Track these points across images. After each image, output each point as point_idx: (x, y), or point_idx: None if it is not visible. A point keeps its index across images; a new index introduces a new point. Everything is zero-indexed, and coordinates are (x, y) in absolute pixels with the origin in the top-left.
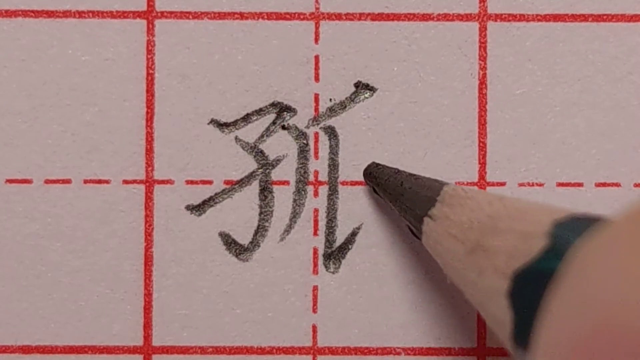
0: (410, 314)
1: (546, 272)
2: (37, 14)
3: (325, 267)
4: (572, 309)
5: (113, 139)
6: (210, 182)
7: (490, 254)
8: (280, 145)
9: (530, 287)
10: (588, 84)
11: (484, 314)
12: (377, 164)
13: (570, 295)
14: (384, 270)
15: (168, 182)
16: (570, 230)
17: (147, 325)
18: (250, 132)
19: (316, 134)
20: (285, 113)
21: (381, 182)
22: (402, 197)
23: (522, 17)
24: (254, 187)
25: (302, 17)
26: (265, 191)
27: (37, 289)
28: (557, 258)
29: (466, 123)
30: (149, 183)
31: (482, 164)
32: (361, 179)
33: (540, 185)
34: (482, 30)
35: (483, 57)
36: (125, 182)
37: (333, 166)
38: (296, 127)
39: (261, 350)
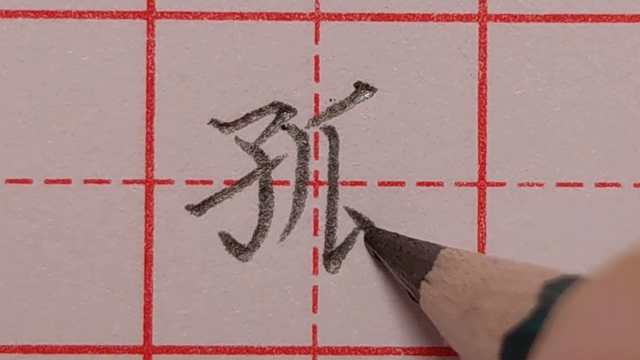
0: (411, 314)
1: (535, 332)
2: (37, 14)
3: (325, 267)
4: None
5: (113, 139)
6: (210, 182)
7: (482, 316)
8: (280, 145)
9: (520, 348)
10: (588, 84)
11: None
12: (378, 229)
13: (553, 350)
14: (384, 270)
15: (168, 182)
16: (560, 291)
17: (147, 325)
18: (250, 132)
19: (316, 134)
20: (285, 113)
21: (381, 247)
22: (401, 262)
23: (522, 18)
24: (254, 187)
25: (302, 17)
26: (265, 191)
27: (37, 289)
28: (545, 318)
29: (466, 123)
30: (149, 183)
31: (482, 164)
32: (361, 178)
33: (540, 185)
34: (482, 31)
35: (483, 58)
36: (125, 182)
37: (333, 166)
38: (296, 127)
39: (261, 350)
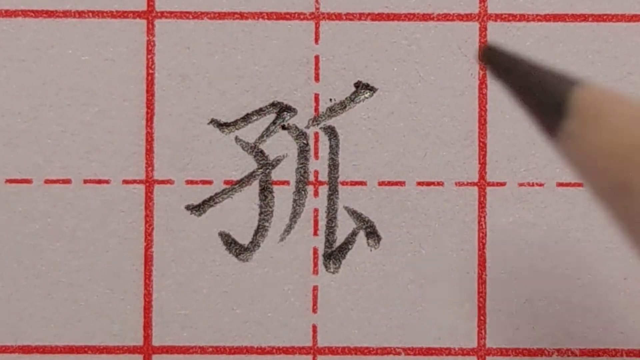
0: (411, 313)
1: None
2: (37, 14)
3: (325, 267)
4: None
5: (113, 139)
6: (210, 182)
7: (637, 198)
8: (280, 145)
9: None
10: None
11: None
12: (492, 48)
13: None
14: (384, 270)
15: (168, 182)
16: None
17: (147, 325)
18: (250, 132)
19: (316, 134)
20: (285, 113)
21: (499, 72)
22: (527, 98)
23: (522, 17)
24: (254, 187)
25: (302, 17)
26: (265, 191)
27: (37, 289)
28: None
29: (466, 123)
30: (149, 183)
31: (482, 164)
32: (361, 178)
33: (540, 185)
34: (482, 30)
35: None
36: (125, 182)
37: (333, 166)
38: (296, 127)
39: (261, 350)
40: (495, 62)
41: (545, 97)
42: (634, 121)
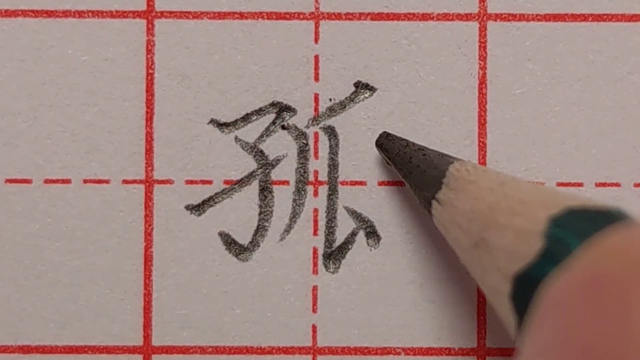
0: (410, 314)
1: (542, 276)
2: (37, 14)
3: (325, 267)
4: (545, 342)
5: (113, 139)
6: (210, 182)
7: (492, 251)
8: (280, 145)
9: (528, 291)
10: (588, 84)
11: (494, 309)
12: (388, 134)
13: (542, 328)
14: (384, 270)
15: (168, 182)
16: (566, 228)
17: (147, 325)
18: (250, 132)
19: (316, 133)
20: (285, 113)
21: (391, 155)
22: (411, 175)
23: (522, 17)
24: (254, 187)
25: (302, 17)
26: (265, 191)
27: (37, 289)
28: (551, 263)
29: (466, 123)
30: (149, 183)
31: (482, 163)
32: (361, 178)
33: (541, 184)
34: (482, 30)
35: (483, 57)
36: (125, 182)
37: (333, 166)
38: (296, 127)
39: (261, 350)
40: (388, 146)
41: (427, 173)
42: (489, 189)
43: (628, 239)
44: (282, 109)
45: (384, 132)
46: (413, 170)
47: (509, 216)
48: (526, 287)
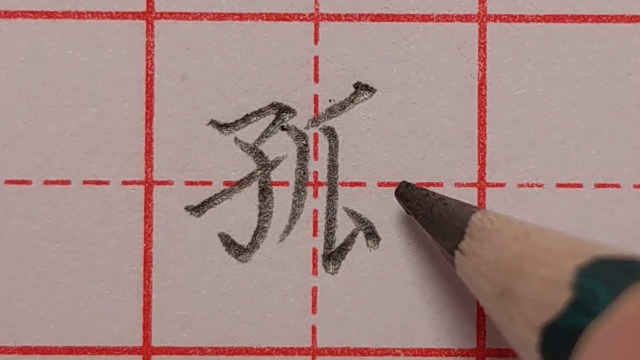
0: (410, 314)
1: (573, 328)
2: (37, 14)
3: (325, 267)
4: None
5: (112, 139)
6: (209, 183)
7: (518, 300)
8: (280, 146)
9: (559, 342)
10: (588, 84)
11: (520, 356)
12: (407, 184)
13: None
14: (383, 271)
15: (167, 183)
16: (594, 278)
17: (147, 326)
18: (249, 133)
19: (316, 134)
20: (284, 114)
21: (412, 205)
22: (433, 225)
23: (521, 18)
24: (254, 188)
25: (301, 17)
26: (265, 192)
27: (37, 289)
28: (582, 314)
29: (466, 124)
30: (149, 184)
31: (482, 164)
32: (361, 179)
33: (540, 185)
34: (482, 31)
35: (482, 58)
36: (125, 183)
37: (332, 167)
38: (295, 128)
39: (260, 351)
40: (409, 196)
41: (449, 222)
42: (514, 238)
43: None
44: (281, 110)
45: (404, 181)
46: (435, 220)
47: (535, 265)
48: (556, 338)
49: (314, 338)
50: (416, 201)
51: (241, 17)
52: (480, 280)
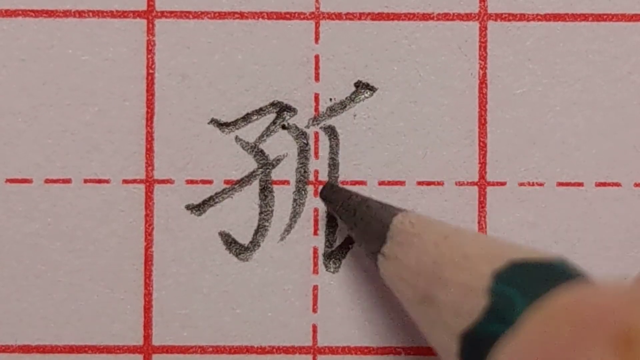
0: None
1: (488, 336)
2: (37, 13)
3: (326, 266)
4: None
5: (113, 138)
6: (210, 182)
7: (438, 307)
8: (281, 144)
9: (477, 349)
10: (588, 84)
11: None
12: (332, 186)
13: None
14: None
15: (168, 181)
16: (510, 284)
17: (147, 325)
18: (250, 132)
19: (316, 133)
20: (285, 113)
21: (335, 207)
22: (356, 228)
23: (522, 17)
24: (254, 186)
25: (302, 16)
26: (266, 191)
27: (37, 289)
28: (496, 321)
29: (466, 123)
30: (149, 183)
31: (482, 163)
32: (361, 178)
33: (541, 185)
34: (482, 30)
35: (483, 57)
36: (125, 181)
37: (333, 166)
38: (296, 127)
39: (261, 350)
40: (332, 198)
41: (371, 225)
42: (434, 243)
43: (573, 301)
44: (282, 109)
45: (328, 182)
46: (358, 223)
47: (453, 271)
48: (474, 346)
49: (314, 337)
50: (340, 203)
51: (242, 16)
52: (402, 286)
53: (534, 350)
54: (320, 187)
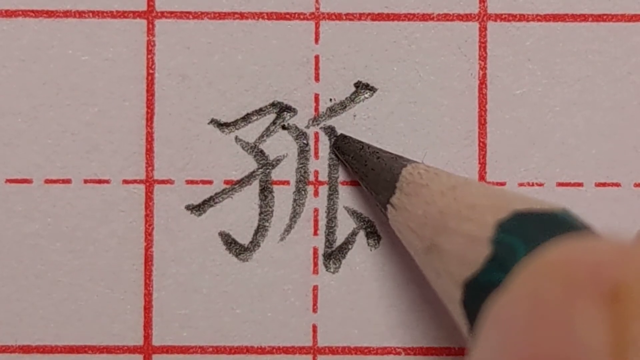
0: (410, 314)
1: (490, 283)
2: (37, 14)
3: (325, 266)
4: (494, 347)
5: (113, 138)
6: (210, 182)
7: (443, 256)
8: (281, 145)
9: (479, 297)
10: (588, 84)
11: (448, 309)
12: (345, 137)
13: (492, 332)
14: (384, 270)
15: (168, 182)
16: (513, 233)
17: (147, 325)
18: (250, 132)
19: (316, 133)
20: (285, 113)
21: (347, 158)
22: (367, 179)
23: (522, 17)
24: (254, 187)
25: (302, 17)
26: (265, 191)
27: (37, 289)
28: (498, 270)
29: (466, 123)
30: (149, 183)
31: (482, 163)
32: None
33: (540, 185)
34: (482, 30)
35: (483, 57)
36: (125, 182)
37: (333, 166)
38: (296, 127)
39: (261, 350)
40: (344, 148)
41: (381, 176)
42: (440, 193)
43: (564, 256)
44: (282, 109)
45: (341, 134)
46: (369, 174)
47: (459, 221)
48: (476, 294)
49: (314, 337)
50: (352, 154)
51: (242, 16)
52: (410, 235)
53: (524, 304)
54: (334, 138)
